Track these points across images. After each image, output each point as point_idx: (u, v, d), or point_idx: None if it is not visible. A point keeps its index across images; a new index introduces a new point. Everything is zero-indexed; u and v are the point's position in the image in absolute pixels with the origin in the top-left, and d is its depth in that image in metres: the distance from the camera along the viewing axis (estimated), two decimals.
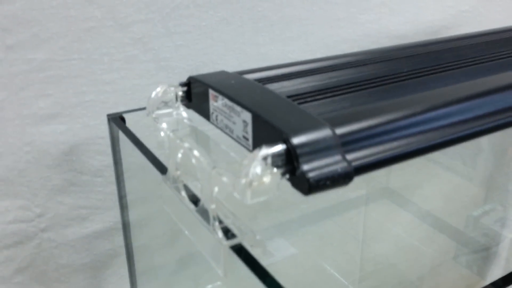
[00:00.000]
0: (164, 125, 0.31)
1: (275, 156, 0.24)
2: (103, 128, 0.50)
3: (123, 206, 0.51)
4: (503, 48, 0.42)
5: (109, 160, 0.51)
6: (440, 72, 0.36)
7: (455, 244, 0.96)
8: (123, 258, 0.56)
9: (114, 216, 0.54)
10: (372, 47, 0.59)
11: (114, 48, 0.49)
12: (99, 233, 0.54)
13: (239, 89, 0.29)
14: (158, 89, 0.32)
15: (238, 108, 0.28)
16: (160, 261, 0.57)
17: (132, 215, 0.53)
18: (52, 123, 0.48)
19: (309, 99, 0.29)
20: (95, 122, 0.50)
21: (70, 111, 0.48)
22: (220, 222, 0.28)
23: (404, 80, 0.34)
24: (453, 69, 0.37)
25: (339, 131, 0.25)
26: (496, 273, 0.95)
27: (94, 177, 0.52)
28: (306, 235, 0.78)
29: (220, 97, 0.29)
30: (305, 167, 0.23)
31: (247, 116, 0.27)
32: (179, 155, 0.29)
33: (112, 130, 0.44)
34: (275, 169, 0.23)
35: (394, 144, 0.26)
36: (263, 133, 0.26)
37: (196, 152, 0.27)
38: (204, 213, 0.28)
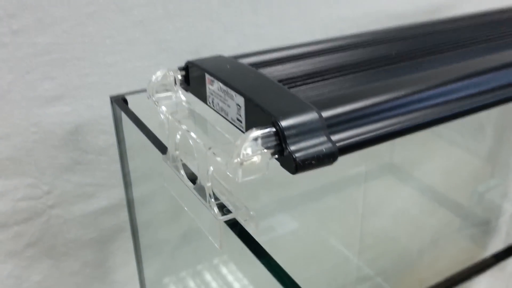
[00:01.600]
0: (163, 108, 0.33)
1: (264, 137, 0.25)
2: (107, 109, 0.52)
3: (127, 184, 0.54)
4: (501, 28, 0.43)
5: (113, 139, 0.53)
6: (435, 54, 0.37)
7: (458, 218, 0.98)
8: (128, 233, 0.59)
9: (118, 193, 0.56)
10: (371, 26, 0.60)
11: (116, 31, 0.50)
12: (104, 209, 0.56)
13: (234, 73, 0.31)
14: (158, 73, 0.34)
15: (232, 92, 0.29)
16: (163, 235, 0.60)
17: (136, 192, 0.55)
18: (57, 104, 0.50)
19: (299, 83, 0.31)
20: (99, 103, 0.52)
21: (74, 92, 0.50)
22: (216, 199, 0.30)
23: (396, 63, 0.36)
24: (449, 50, 0.38)
25: (325, 113, 0.27)
26: (498, 246, 0.98)
27: (99, 155, 0.54)
28: (307, 210, 0.80)
29: (216, 81, 0.31)
30: (292, 148, 0.25)
31: (240, 100, 0.29)
32: (178, 137, 0.31)
33: (115, 111, 0.46)
34: (265, 150, 0.25)
35: (377, 125, 0.28)
36: (255, 116, 0.27)
37: (193, 134, 0.29)
38: (201, 191, 0.30)
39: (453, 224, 0.96)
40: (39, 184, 0.52)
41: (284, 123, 0.25)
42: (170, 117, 0.31)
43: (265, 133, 0.25)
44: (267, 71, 0.33)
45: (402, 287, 0.92)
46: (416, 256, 0.96)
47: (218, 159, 0.27)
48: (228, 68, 0.32)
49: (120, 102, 0.44)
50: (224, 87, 0.30)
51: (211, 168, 0.27)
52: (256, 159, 0.25)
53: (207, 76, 0.32)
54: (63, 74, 0.49)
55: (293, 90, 0.30)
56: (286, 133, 0.25)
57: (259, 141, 0.26)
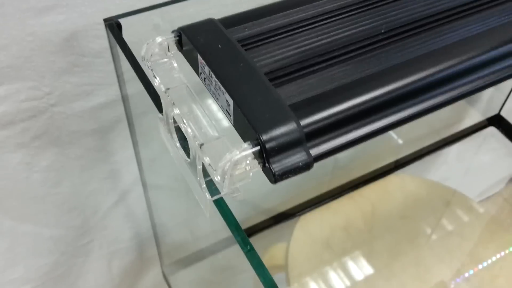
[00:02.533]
0: (157, 81, 0.35)
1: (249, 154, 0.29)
2: (100, 15, 0.52)
3: (121, 83, 0.57)
4: None
5: (107, 43, 0.54)
6: (429, 28, 0.37)
7: None
8: (125, 123, 0.63)
9: (115, 89, 0.59)
10: None
11: None
12: (103, 105, 0.60)
13: (224, 61, 0.32)
14: (150, 41, 0.35)
15: (222, 88, 0.31)
16: (156, 124, 0.65)
17: (130, 89, 0.59)
18: (51, 14, 0.50)
19: (284, 77, 0.33)
20: (92, 10, 0.52)
21: (67, 1, 0.50)
22: (206, 175, 0.34)
23: (384, 43, 0.36)
24: (447, 21, 0.37)
25: (304, 121, 0.30)
26: None
27: (95, 58, 0.56)
28: None
29: (207, 68, 0.32)
30: (272, 163, 0.29)
31: (229, 99, 0.31)
32: (172, 114, 0.34)
33: (108, 35, 0.46)
34: (247, 167, 0.29)
35: (354, 130, 0.31)
36: (241, 122, 0.30)
37: (184, 123, 0.32)
38: (192, 166, 0.34)
39: None
40: (40, 86, 0.55)
41: (267, 143, 0.28)
42: (164, 95, 0.34)
43: (249, 153, 0.28)
44: (256, 54, 0.34)
45: None
46: None
47: (207, 159, 0.30)
48: (220, 49, 0.33)
49: (113, 28, 0.45)
50: (216, 79, 0.32)
51: (200, 166, 0.31)
52: (240, 171, 0.29)
53: (199, 58, 0.33)
54: None
55: (277, 86, 0.32)
56: (267, 149, 0.29)
57: (245, 153, 0.29)
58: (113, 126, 0.63)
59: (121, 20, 0.51)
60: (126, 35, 0.52)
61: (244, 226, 0.93)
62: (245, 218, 0.93)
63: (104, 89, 0.59)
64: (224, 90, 0.31)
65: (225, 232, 0.34)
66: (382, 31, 0.36)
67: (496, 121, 1.06)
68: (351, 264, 0.88)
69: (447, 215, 0.95)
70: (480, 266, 0.91)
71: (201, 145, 0.31)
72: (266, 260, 0.89)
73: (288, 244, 0.88)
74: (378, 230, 0.93)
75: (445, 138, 1.08)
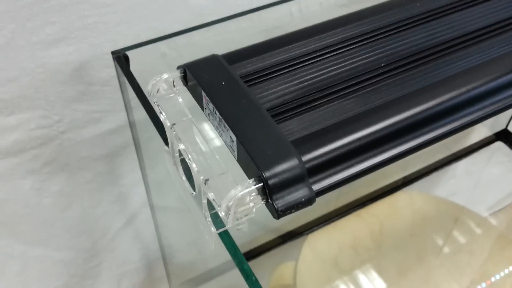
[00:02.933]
0: (163, 116, 0.35)
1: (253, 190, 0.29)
2: (108, 45, 0.54)
3: (128, 109, 0.58)
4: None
5: (115, 72, 0.55)
6: (425, 62, 0.38)
7: None
8: (133, 147, 0.64)
9: (123, 116, 0.61)
10: None
11: None
12: (111, 130, 0.61)
13: (228, 99, 0.33)
14: (157, 78, 0.36)
15: (226, 125, 0.32)
16: (162, 148, 0.66)
17: (137, 115, 0.60)
18: (60, 46, 0.51)
19: (286, 114, 0.33)
20: (100, 41, 0.53)
21: (76, 33, 0.51)
22: (211, 207, 0.34)
23: (384, 77, 0.37)
24: (449, 52, 0.38)
25: (306, 157, 0.31)
26: None
27: (103, 86, 0.57)
28: None
29: (211, 105, 0.33)
30: (275, 199, 0.29)
31: (233, 136, 0.32)
32: (177, 148, 0.35)
33: (116, 66, 0.48)
34: (251, 203, 0.29)
35: (356, 164, 0.32)
36: (245, 159, 0.31)
37: (189, 159, 0.33)
38: (197, 198, 0.35)
39: None
40: (50, 115, 0.56)
41: (270, 180, 0.29)
42: (170, 130, 0.35)
43: (252, 189, 0.29)
44: (258, 89, 0.35)
45: None
46: None
47: (211, 194, 0.31)
48: (223, 86, 0.34)
49: (121, 61, 0.46)
50: (219, 116, 0.33)
51: (205, 201, 0.32)
52: (244, 208, 0.30)
53: (204, 94, 0.34)
54: (63, 18, 0.50)
55: (280, 122, 0.33)
56: (270, 186, 0.29)
57: (249, 190, 0.30)
58: (121, 150, 0.64)
59: (128, 50, 0.53)
60: (133, 63, 0.53)
61: (252, 245, 0.93)
62: (253, 237, 0.93)
63: (113, 115, 0.60)
64: (227, 126, 0.32)
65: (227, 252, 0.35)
66: (382, 64, 0.36)
67: (504, 135, 1.06)
68: (359, 283, 0.88)
69: (456, 232, 0.95)
70: (489, 282, 0.90)
71: (205, 181, 0.31)
72: (275, 279, 0.89)
73: (296, 263, 0.88)
74: (386, 247, 0.93)
75: (453, 153, 1.08)
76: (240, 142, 0.31)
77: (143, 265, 0.82)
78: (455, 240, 0.94)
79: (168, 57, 0.58)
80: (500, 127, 1.05)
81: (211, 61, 0.36)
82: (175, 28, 0.57)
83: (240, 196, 0.29)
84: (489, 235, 0.95)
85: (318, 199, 0.85)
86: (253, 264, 0.94)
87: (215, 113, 0.34)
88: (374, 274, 0.89)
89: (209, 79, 0.35)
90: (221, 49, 0.46)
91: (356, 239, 0.93)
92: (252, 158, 0.30)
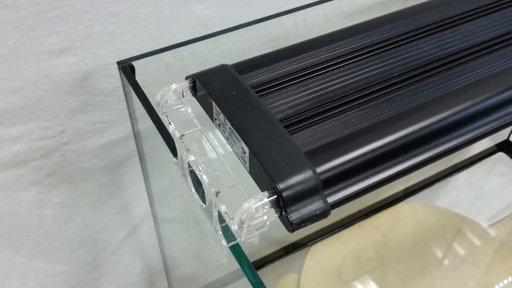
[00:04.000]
0: (172, 126, 0.35)
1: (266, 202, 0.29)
2: (113, 56, 0.53)
3: (133, 120, 0.57)
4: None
5: (119, 81, 0.55)
6: (438, 72, 0.37)
7: None
8: (137, 158, 0.64)
9: (127, 126, 0.60)
10: None
11: None
12: (115, 141, 0.60)
13: (239, 109, 0.33)
14: (166, 88, 0.36)
15: (238, 136, 0.32)
16: (167, 158, 0.65)
17: (142, 125, 0.59)
18: (64, 56, 0.51)
19: (299, 125, 0.33)
20: (105, 51, 0.53)
21: (80, 44, 0.51)
22: (222, 220, 0.34)
23: (398, 86, 0.36)
24: (463, 61, 0.37)
25: (320, 169, 0.30)
26: None
27: (107, 97, 0.56)
28: None
29: (222, 115, 0.33)
30: (290, 212, 0.29)
31: (245, 147, 0.31)
32: (187, 160, 0.34)
33: (122, 76, 0.47)
34: (265, 216, 0.29)
35: (371, 176, 0.31)
36: (257, 171, 0.30)
37: (200, 171, 0.32)
38: (208, 212, 0.34)
39: None
40: (53, 126, 0.55)
41: (284, 192, 0.28)
42: (179, 141, 0.34)
43: (267, 201, 0.29)
44: (270, 100, 0.34)
45: None
46: None
47: (223, 207, 0.30)
48: (234, 96, 0.33)
49: (126, 71, 0.45)
50: (231, 127, 0.32)
51: (216, 213, 0.31)
52: (258, 221, 0.29)
53: (214, 105, 0.34)
54: (68, 28, 0.49)
55: (293, 133, 0.32)
56: (284, 199, 0.29)
57: (263, 202, 0.29)
58: (124, 161, 0.64)
59: (133, 60, 0.52)
60: (138, 73, 0.53)
61: (255, 257, 0.92)
62: (256, 249, 0.92)
63: (116, 126, 0.59)
64: (239, 137, 0.31)
65: (236, 264, 0.34)
66: (395, 74, 0.36)
67: (506, 146, 1.05)
68: None
69: (459, 242, 0.94)
70: None
71: (217, 193, 0.31)
72: None
73: (299, 275, 0.87)
74: (389, 259, 0.92)
75: (455, 164, 1.08)
76: (252, 153, 0.30)
77: (145, 277, 0.81)
78: (458, 251, 0.93)
79: (173, 68, 0.58)
80: (501, 137, 1.04)
81: (221, 71, 0.36)
82: (180, 38, 0.56)
83: (254, 209, 0.28)
84: (491, 246, 0.95)
85: None
86: None
87: (226, 124, 0.33)
88: (377, 285, 0.88)
89: (219, 89, 0.34)
90: (227, 60, 0.46)
91: (359, 250, 0.92)
92: (265, 170, 0.29)
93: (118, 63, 0.48)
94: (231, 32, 0.57)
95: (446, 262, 0.94)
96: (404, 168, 0.32)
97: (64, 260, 0.69)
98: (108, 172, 0.63)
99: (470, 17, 0.40)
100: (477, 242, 0.94)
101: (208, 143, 0.34)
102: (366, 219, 0.95)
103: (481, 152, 1.07)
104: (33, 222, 0.62)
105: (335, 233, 0.93)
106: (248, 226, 0.29)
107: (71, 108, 0.55)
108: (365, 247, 0.92)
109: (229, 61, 0.46)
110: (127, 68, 0.46)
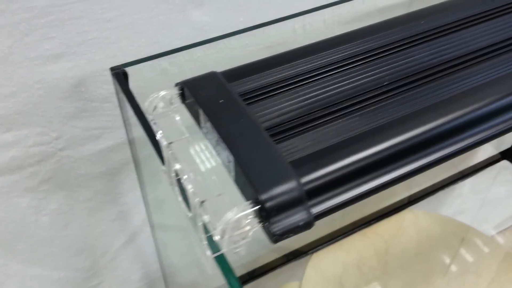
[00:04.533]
0: (159, 134, 0.34)
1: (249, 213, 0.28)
2: (108, 61, 0.53)
3: (127, 127, 0.57)
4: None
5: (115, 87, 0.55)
6: (428, 82, 0.36)
7: None
8: (133, 165, 0.63)
9: (123, 133, 0.60)
10: None
11: None
12: (111, 148, 0.60)
13: (226, 117, 0.32)
14: (154, 95, 0.35)
15: (223, 144, 0.31)
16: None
17: (136, 132, 0.59)
18: (59, 61, 0.51)
19: (287, 133, 0.32)
20: (100, 57, 0.52)
21: (75, 49, 0.51)
22: (207, 230, 0.33)
23: (388, 95, 0.36)
24: (456, 70, 0.37)
25: (305, 179, 0.29)
26: None
27: (103, 103, 0.56)
28: None
29: (209, 124, 0.32)
30: (272, 223, 0.28)
31: (230, 156, 0.31)
32: (173, 168, 0.34)
33: (115, 83, 0.47)
34: (247, 226, 0.28)
35: (356, 186, 0.30)
36: (241, 178, 0.30)
37: (185, 179, 0.32)
38: (193, 220, 0.34)
39: None
40: (48, 132, 0.55)
41: (267, 203, 0.28)
42: (166, 150, 0.34)
43: (249, 212, 0.28)
44: (258, 108, 0.34)
45: None
46: None
47: (206, 217, 0.30)
48: (221, 104, 0.33)
49: (120, 77, 0.45)
50: (217, 135, 0.31)
51: (200, 223, 0.31)
52: (241, 231, 0.28)
53: (201, 112, 0.33)
54: (62, 33, 0.49)
55: (279, 142, 0.32)
56: (267, 209, 0.28)
57: (245, 213, 0.28)
58: (121, 168, 0.63)
59: (128, 68, 0.52)
60: (133, 79, 0.52)
61: (256, 264, 0.92)
62: (257, 256, 0.92)
63: (112, 132, 0.59)
64: (225, 146, 0.31)
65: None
66: (386, 83, 0.35)
67: (510, 154, 1.04)
68: None
69: (462, 251, 0.93)
70: None
71: (201, 202, 0.30)
72: None
73: (301, 283, 0.86)
74: (391, 267, 0.91)
75: (459, 172, 1.07)
76: (237, 162, 0.30)
77: (144, 285, 0.80)
78: (462, 260, 0.92)
79: (170, 73, 0.57)
80: (505, 145, 1.03)
81: (210, 78, 0.35)
82: (176, 44, 0.56)
83: (236, 219, 0.28)
84: (496, 255, 0.93)
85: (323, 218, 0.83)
86: (257, 284, 0.92)
87: (213, 132, 0.32)
88: None
89: (207, 97, 0.34)
90: (224, 66, 0.45)
91: (361, 258, 0.91)
92: (249, 180, 0.29)
93: (112, 69, 0.47)
94: (229, 38, 0.57)
95: (449, 271, 0.93)
96: (390, 179, 0.31)
97: (62, 267, 0.68)
98: (105, 179, 0.63)
99: (463, 25, 0.39)
100: (481, 252, 0.92)
101: (196, 152, 0.33)
102: (368, 227, 0.94)
103: (485, 160, 1.06)
104: (30, 229, 0.61)
105: (337, 240, 0.92)
106: (230, 236, 0.28)
107: (66, 114, 0.55)
108: (367, 255, 0.91)
109: (227, 67, 0.45)
110: (120, 75, 0.45)
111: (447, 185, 1.01)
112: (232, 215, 0.28)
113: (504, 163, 1.07)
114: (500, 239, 1.12)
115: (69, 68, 0.51)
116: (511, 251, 0.95)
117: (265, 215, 0.28)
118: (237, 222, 0.28)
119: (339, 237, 0.94)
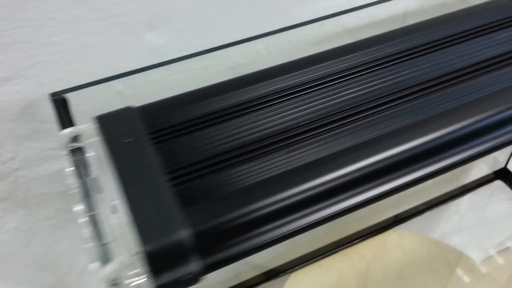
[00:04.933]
0: (69, 171, 0.34)
1: (135, 262, 0.27)
2: (59, 84, 0.52)
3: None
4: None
5: None
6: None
7: None
8: None
9: None
10: None
11: (59, 12, 0.48)
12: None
13: (128, 159, 0.31)
14: (68, 130, 0.34)
15: (121, 188, 0.30)
16: None
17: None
18: (8, 84, 0.50)
19: (188, 177, 0.31)
20: (50, 79, 0.52)
21: (23, 72, 0.50)
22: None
23: (308, 138, 0.34)
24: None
25: (196, 228, 0.28)
26: None
27: (56, 124, 0.55)
28: None
29: (112, 163, 0.31)
30: (155, 275, 0.27)
31: (125, 201, 0.30)
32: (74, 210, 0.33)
33: (54, 109, 0.46)
34: (131, 279, 0.27)
35: (254, 237, 0.29)
36: (132, 226, 0.29)
37: (84, 222, 0.31)
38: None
39: None
40: (2, 152, 0.55)
41: (150, 255, 0.27)
42: (75, 186, 0.33)
43: (134, 262, 0.27)
44: (165, 148, 0.33)
45: None
46: None
47: (94, 264, 0.29)
48: (127, 144, 0.32)
49: (60, 103, 0.44)
50: (117, 177, 0.31)
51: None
52: (128, 281, 0.27)
53: (107, 151, 0.32)
54: (8, 57, 0.49)
55: (179, 185, 0.31)
56: (150, 261, 0.27)
57: (130, 262, 0.27)
58: None
59: (81, 90, 0.51)
60: (87, 102, 0.52)
61: (233, 282, 0.91)
62: (235, 274, 0.90)
63: None
64: (122, 190, 0.30)
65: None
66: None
67: (503, 174, 1.01)
68: None
69: (447, 277, 0.90)
70: None
71: (91, 248, 0.29)
72: None
73: None
74: None
75: (451, 191, 1.04)
76: (129, 208, 0.29)
77: None
78: (446, 286, 0.89)
79: (125, 95, 0.57)
80: (499, 165, 1.00)
81: (124, 114, 0.34)
82: (131, 66, 0.55)
83: (115, 271, 0.27)
84: (482, 283, 0.90)
85: (305, 235, 0.82)
86: None
87: (115, 172, 0.32)
88: None
89: (115, 135, 0.33)
90: (184, 87, 0.44)
91: (341, 280, 0.89)
92: (136, 228, 0.28)
93: (52, 95, 0.47)
94: (186, 60, 0.56)
95: None
96: (296, 228, 0.30)
97: (26, 283, 0.68)
98: (65, 198, 0.63)
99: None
100: (467, 278, 0.89)
101: (101, 193, 0.32)
102: (350, 247, 0.92)
103: (478, 179, 1.03)
104: None
105: (316, 260, 0.91)
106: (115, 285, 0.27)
107: (19, 135, 0.54)
108: (347, 277, 0.89)
109: (187, 89, 0.44)
110: (58, 101, 0.45)
111: (436, 205, 0.98)
112: (112, 266, 0.27)
113: (498, 183, 1.04)
114: (487, 266, 1.08)
115: (18, 91, 0.51)
116: (496, 278, 0.92)
117: (149, 266, 0.27)
118: (117, 273, 0.27)
119: (320, 257, 0.92)
